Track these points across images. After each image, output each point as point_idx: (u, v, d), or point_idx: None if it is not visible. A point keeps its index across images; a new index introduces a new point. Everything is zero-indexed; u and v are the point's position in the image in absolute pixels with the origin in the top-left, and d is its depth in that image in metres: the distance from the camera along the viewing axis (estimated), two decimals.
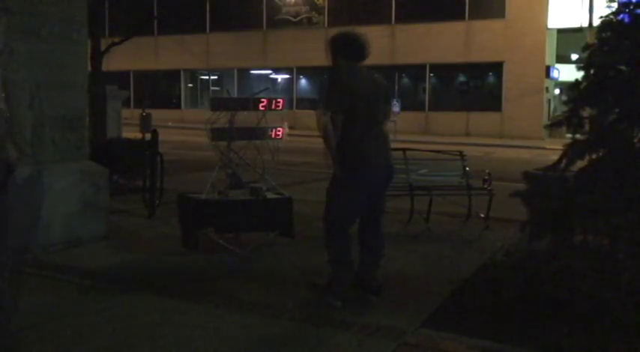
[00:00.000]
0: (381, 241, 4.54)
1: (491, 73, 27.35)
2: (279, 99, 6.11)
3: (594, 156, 4.31)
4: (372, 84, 4.40)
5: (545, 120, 23.02)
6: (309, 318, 4.05)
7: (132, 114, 24.27)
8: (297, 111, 28.95)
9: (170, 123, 26.33)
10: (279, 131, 6.16)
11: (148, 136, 7.87)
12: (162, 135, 7.78)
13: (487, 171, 7.74)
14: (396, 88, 28.12)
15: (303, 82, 31.78)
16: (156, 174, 7.30)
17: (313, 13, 29.89)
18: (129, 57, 26.92)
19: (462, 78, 28.11)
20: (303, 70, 30.56)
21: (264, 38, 30.92)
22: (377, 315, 4.13)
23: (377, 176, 4.38)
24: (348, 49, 4.41)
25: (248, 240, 5.81)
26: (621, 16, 4.38)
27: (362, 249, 4.51)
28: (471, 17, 26.50)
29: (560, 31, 25.71)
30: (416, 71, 28.42)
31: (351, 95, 4.21)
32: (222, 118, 5.84)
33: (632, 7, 4.34)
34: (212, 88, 33.85)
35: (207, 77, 34.46)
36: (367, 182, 4.33)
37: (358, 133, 4.26)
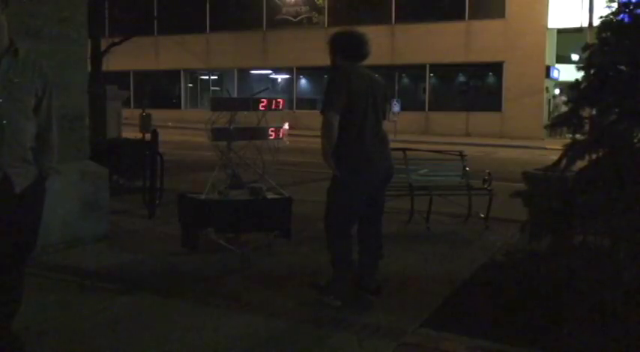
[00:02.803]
0: (380, 241, 4.54)
1: (491, 73, 27.34)
2: (279, 100, 6.12)
3: (594, 156, 4.31)
4: (372, 84, 4.39)
5: (545, 120, 23.00)
6: (309, 318, 4.05)
7: (132, 114, 24.25)
8: (297, 111, 28.95)
9: (170, 123, 26.33)
10: (279, 131, 6.16)
11: (148, 136, 7.87)
12: (162, 135, 7.78)
13: (487, 171, 7.74)
14: (396, 88, 28.13)
15: (303, 82, 31.78)
16: (156, 174, 7.30)
17: (313, 13, 29.89)
18: (129, 57, 26.90)
19: (462, 78, 28.10)
20: (303, 70, 30.56)
21: (264, 38, 30.91)
22: (377, 315, 4.13)
23: (378, 176, 4.38)
24: (348, 48, 4.41)
25: (248, 240, 5.82)
26: (621, 16, 4.38)
27: (361, 249, 4.51)
28: (470, 17, 26.50)
29: (560, 31, 25.71)
30: (416, 71, 28.41)
31: (351, 95, 4.19)
32: (222, 118, 5.84)
33: (631, 7, 4.34)
34: (212, 87, 33.85)
35: (207, 77, 34.45)
36: (368, 182, 4.32)
37: (359, 133, 4.24)
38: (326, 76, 29.15)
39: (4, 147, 2.93)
